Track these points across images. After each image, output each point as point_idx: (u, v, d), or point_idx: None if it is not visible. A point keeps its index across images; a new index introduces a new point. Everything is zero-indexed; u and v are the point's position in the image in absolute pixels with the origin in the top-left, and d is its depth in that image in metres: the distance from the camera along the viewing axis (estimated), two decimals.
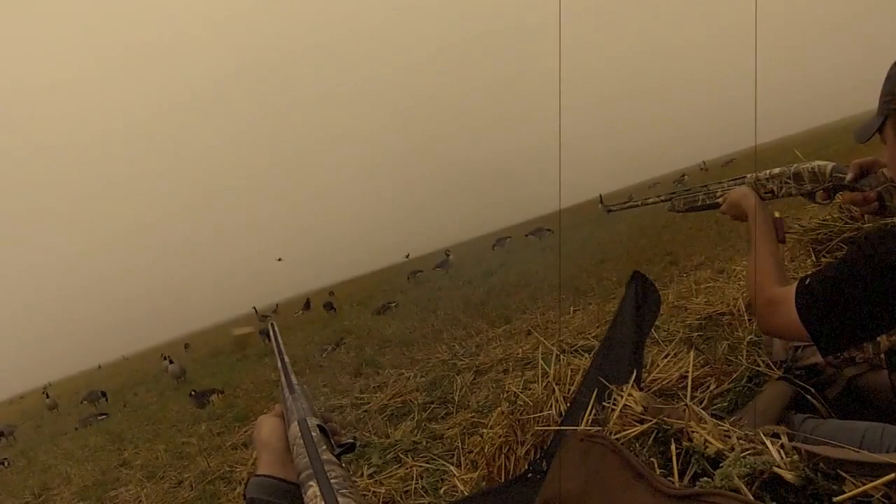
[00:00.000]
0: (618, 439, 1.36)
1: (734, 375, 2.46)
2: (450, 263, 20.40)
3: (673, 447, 1.28)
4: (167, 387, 13.56)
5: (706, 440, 1.23)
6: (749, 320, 3.50)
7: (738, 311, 3.68)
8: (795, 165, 1.86)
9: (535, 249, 18.40)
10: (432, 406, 4.38)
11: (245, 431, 5.79)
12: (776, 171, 1.88)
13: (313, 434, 0.92)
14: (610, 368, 1.97)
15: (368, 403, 5.05)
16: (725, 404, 2.17)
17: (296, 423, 0.96)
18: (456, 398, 4.33)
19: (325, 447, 0.88)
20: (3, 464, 9.51)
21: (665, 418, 1.33)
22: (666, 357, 3.06)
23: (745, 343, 2.85)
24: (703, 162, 41.02)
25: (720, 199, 1.97)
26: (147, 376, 18.86)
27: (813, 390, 1.96)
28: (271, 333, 1.38)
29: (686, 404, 1.38)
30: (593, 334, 4.86)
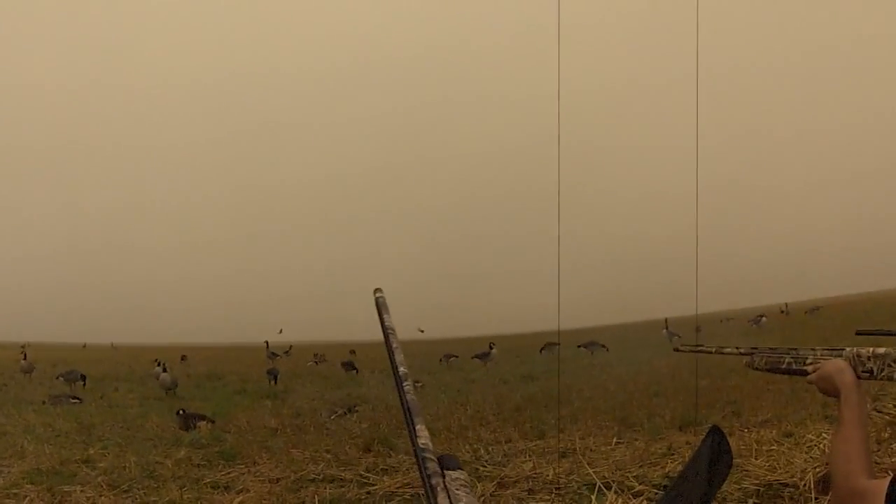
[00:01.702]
0: None
1: None
2: (491, 357, 20.20)
3: None
4: (153, 394, 13.31)
5: None
6: (816, 499, 3.40)
7: (807, 485, 3.58)
8: None
9: (585, 364, 18.15)
10: None
11: (228, 473, 5.70)
12: (881, 350, 1.86)
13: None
14: None
15: (374, 486, 5.01)
16: None
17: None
18: None
19: None
20: None
21: None
22: None
23: None
24: (786, 304, 40.22)
25: (810, 367, 1.95)
26: (133, 374, 18.71)
27: None
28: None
29: None
30: (634, 474, 4.76)
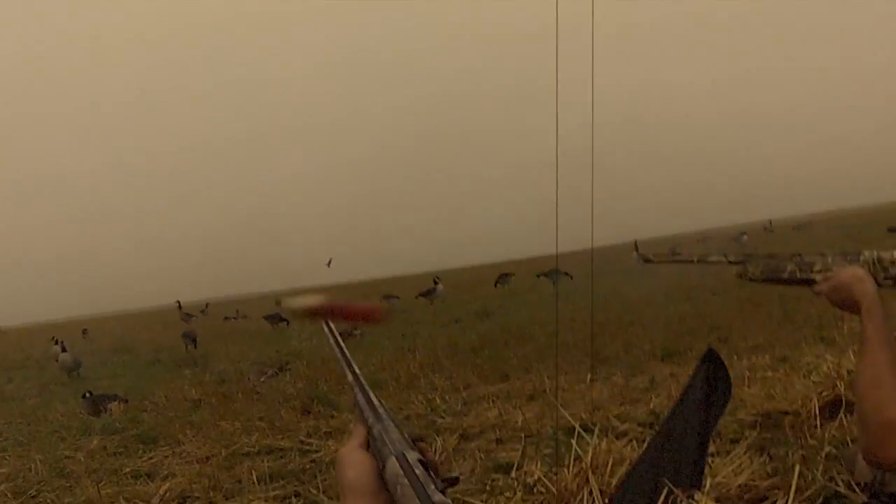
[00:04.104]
0: None
1: (807, 493, 2.43)
2: (438, 294, 20.30)
3: None
4: (53, 379, 13.28)
5: None
6: (821, 426, 3.48)
7: (810, 412, 3.65)
8: None
9: (547, 295, 18.38)
10: None
11: (150, 458, 5.61)
12: None
13: (417, 472, 0.94)
14: (669, 465, 1.93)
15: (319, 452, 4.98)
16: None
17: (393, 458, 0.99)
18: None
19: (433, 486, 0.91)
20: None
21: None
22: (713, 456, 3.03)
23: (823, 455, 2.82)
24: (770, 221, 41.32)
25: (818, 276, 1.91)
26: (28, 360, 18.49)
27: None
28: (330, 338, 1.35)
29: None
30: (615, 413, 4.82)
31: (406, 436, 1.06)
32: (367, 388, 1.20)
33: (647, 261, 2.66)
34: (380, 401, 1.15)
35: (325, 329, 1.38)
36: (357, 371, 1.24)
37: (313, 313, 1.37)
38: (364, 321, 1.45)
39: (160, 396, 8.84)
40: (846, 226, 32.13)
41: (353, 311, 1.41)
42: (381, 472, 1.03)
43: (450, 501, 0.89)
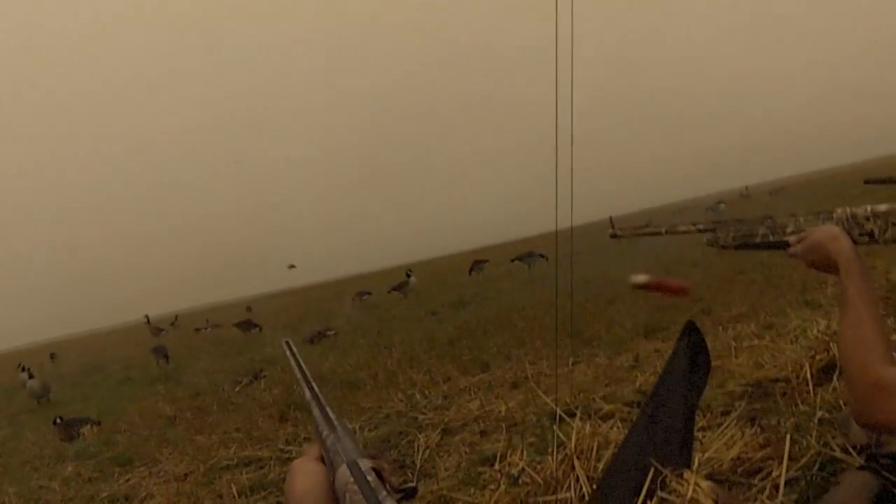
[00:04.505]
0: None
1: (803, 461, 2.42)
2: (411, 286, 20.27)
3: None
4: (23, 408, 13.21)
5: None
6: (813, 391, 3.47)
7: (800, 379, 3.65)
8: None
9: (523, 280, 18.39)
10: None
11: (127, 480, 5.58)
12: (882, 207, 1.79)
13: (369, 479, 0.94)
14: (655, 444, 1.89)
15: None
16: (795, 497, 2.11)
17: (344, 466, 0.98)
18: (417, 463, 4.25)
19: (385, 493, 0.90)
20: None
21: None
22: (703, 431, 3.01)
23: (816, 421, 2.81)
24: (746, 187, 41.76)
25: (791, 238, 1.89)
26: None
27: None
28: (289, 354, 1.40)
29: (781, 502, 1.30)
30: (601, 394, 4.81)
31: (361, 447, 1.05)
32: (323, 402, 1.21)
33: (613, 236, 2.64)
34: (337, 415, 1.15)
35: (286, 349, 1.44)
36: (315, 388, 1.27)
37: (643, 287, 1.88)
38: (680, 294, 1.98)
39: (133, 415, 8.83)
40: (825, 185, 32.52)
41: (671, 286, 1.97)
42: (332, 484, 1.01)
43: None
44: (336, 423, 1.13)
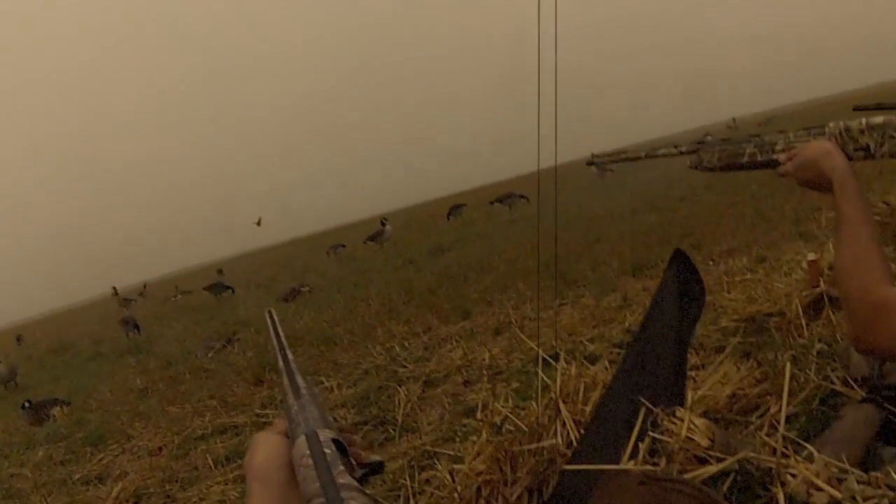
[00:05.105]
0: None
1: (802, 395, 2.40)
2: (387, 235, 20.21)
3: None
4: None
5: (812, 485, 1.12)
6: (808, 325, 3.46)
7: (795, 311, 3.64)
8: None
9: (503, 222, 18.40)
10: (365, 428, 4.28)
11: (100, 460, 5.56)
12: (878, 119, 1.74)
13: (326, 451, 0.89)
14: (645, 382, 1.86)
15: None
16: (795, 433, 2.09)
17: (303, 437, 0.93)
18: (399, 418, 4.25)
19: (342, 468, 0.87)
20: None
21: (750, 455, 1.23)
22: (697, 368, 2.99)
23: (814, 354, 2.79)
24: (733, 119, 41.79)
25: (781, 156, 1.84)
26: None
27: None
28: (269, 322, 1.36)
29: (782, 435, 1.27)
30: (588, 337, 4.81)
31: (328, 416, 1.00)
32: (293, 370, 1.16)
33: (590, 164, 2.61)
34: (306, 382, 1.11)
35: (268, 319, 1.39)
36: (289, 356, 1.21)
37: None
38: None
39: (105, 392, 8.81)
40: (817, 115, 32.60)
41: None
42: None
43: (356, 484, 0.83)
44: (304, 390, 1.08)
